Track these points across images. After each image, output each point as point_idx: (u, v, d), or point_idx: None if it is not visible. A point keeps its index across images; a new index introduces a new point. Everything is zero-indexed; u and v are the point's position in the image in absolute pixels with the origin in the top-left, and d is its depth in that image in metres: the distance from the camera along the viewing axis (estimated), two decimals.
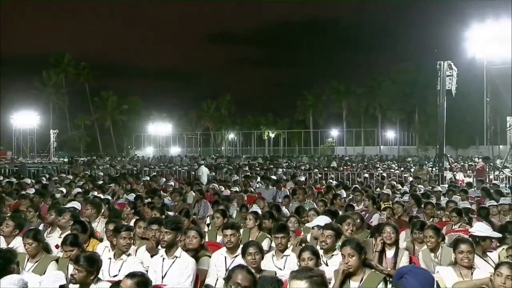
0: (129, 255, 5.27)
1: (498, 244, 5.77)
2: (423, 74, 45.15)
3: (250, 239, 6.25)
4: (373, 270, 4.55)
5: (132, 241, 5.40)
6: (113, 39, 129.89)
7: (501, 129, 29.39)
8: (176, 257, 5.04)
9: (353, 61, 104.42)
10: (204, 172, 18.70)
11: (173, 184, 14.68)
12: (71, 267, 4.45)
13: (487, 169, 17.36)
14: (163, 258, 5.07)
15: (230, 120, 71.32)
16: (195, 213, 9.83)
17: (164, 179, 16.93)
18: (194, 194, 11.07)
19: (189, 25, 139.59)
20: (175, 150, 58.68)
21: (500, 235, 5.69)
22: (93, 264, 4.27)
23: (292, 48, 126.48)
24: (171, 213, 8.08)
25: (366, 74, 70.02)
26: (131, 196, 10.10)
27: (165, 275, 4.95)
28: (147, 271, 4.96)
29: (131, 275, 3.72)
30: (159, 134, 58.82)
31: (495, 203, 8.96)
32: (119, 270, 5.01)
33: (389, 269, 5.03)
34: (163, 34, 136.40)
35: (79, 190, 11.37)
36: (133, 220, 7.05)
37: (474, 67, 21.09)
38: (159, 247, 5.42)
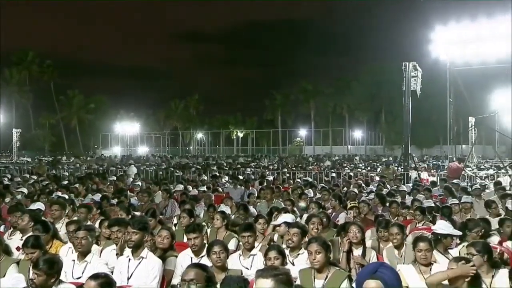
0: (93, 256, 5.19)
1: (458, 242, 5.92)
2: (389, 75, 45.89)
3: (217, 238, 6.25)
4: (337, 268, 4.63)
5: (89, 241, 5.26)
6: (80, 37, 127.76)
7: (463, 129, 30.16)
8: (143, 257, 4.99)
9: (321, 61, 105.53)
10: (133, 172, 18.82)
11: (140, 183, 14.52)
12: None
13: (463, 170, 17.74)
14: (129, 259, 5.01)
15: (198, 120, 71.05)
16: (162, 213, 9.77)
17: (131, 179, 16.73)
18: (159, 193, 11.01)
19: (158, 23, 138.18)
20: (143, 150, 58.05)
21: (460, 233, 5.84)
22: (52, 266, 4.17)
23: (260, 47, 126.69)
24: (137, 213, 7.99)
25: (334, 74, 70.95)
26: (97, 196, 9.95)
27: (131, 276, 4.89)
28: (112, 272, 4.89)
29: (94, 276, 3.66)
30: (127, 133, 58.09)
31: (457, 202, 9.18)
32: (83, 272, 4.92)
33: (357, 268, 5.11)
34: (131, 32, 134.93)
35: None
36: (99, 221, 6.96)
37: (437, 68, 21.54)
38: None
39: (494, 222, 7.22)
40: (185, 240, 6.71)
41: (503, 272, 4.29)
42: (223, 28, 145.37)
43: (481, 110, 26.51)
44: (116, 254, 5.39)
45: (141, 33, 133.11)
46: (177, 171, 20.66)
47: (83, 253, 5.12)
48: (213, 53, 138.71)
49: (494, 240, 6.31)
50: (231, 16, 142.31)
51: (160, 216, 8.66)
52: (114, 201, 9.77)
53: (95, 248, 5.60)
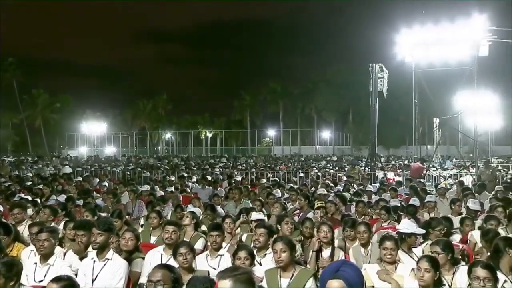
0: (56, 258, 5.08)
1: (422, 240, 6.04)
2: (356, 76, 46.49)
3: (185, 238, 6.21)
4: (303, 267, 4.66)
5: (52, 243, 5.13)
6: (45, 35, 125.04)
7: (428, 130, 30.78)
8: (108, 259, 4.91)
9: (290, 62, 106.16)
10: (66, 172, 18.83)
11: (107, 184, 14.31)
12: None
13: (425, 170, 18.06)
14: (94, 261, 4.92)
15: (167, 120, 70.43)
16: (129, 214, 9.66)
17: (97, 180, 16.48)
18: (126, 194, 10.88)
19: (127, 22, 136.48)
20: (110, 150, 57.21)
21: (423, 231, 5.96)
22: (11, 269, 4.05)
23: (229, 47, 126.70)
24: (103, 214, 7.86)
25: (303, 75, 71.45)
26: (62, 197, 9.76)
27: (95, 278, 4.81)
28: (76, 274, 4.80)
29: (56, 279, 3.57)
30: (93, 133, 57.14)
31: (418, 201, 9.35)
32: (45, 275, 4.81)
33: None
34: (98, 31, 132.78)
35: None
36: (63, 222, 6.82)
37: (403, 70, 21.91)
38: (90, 249, 5.27)
39: (456, 221, 7.41)
40: (152, 241, 6.67)
41: (463, 269, 4.39)
42: (192, 27, 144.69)
43: (445, 111, 27.10)
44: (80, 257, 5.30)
45: (108, 31, 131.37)
46: (145, 171, 20.45)
47: (46, 256, 5.00)
48: (182, 53, 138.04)
49: (455, 238, 6.48)
50: (201, 15, 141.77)
51: (127, 217, 8.58)
52: (80, 202, 9.61)
53: (58, 250, 5.48)
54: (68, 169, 18.90)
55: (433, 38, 18.74)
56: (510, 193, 11.30)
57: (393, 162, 30.38)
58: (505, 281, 4.34)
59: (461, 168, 21.45)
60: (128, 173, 20.28)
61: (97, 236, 4.98)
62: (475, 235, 6.40)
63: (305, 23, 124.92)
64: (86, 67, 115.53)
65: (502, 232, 6.03)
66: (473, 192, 11.12)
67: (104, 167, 24.48)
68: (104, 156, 44.74)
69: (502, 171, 19.81)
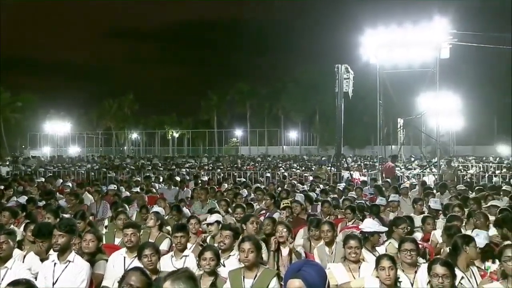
0: (14, 261, 4.94)
1: (385, 239, 6.15)
2: (323, 77, 46.90)
3: (150, 239, 6.16)
4: (266, 267, 4.69)
5: (10, 245, 4.98)
6: (6, 31, 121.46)
7: (393, 130, 31.34)
8: (69, 261, 4.81)
9: (258, 62, 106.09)
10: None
11: (70, 185, 14.05)
12: None
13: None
14: (55, 263, 4.82)
15: (133, 120, 69.55)
16: (93, 215, 9.51)
17: (61, 180, 16.15)
18: (89, 195, 10.71)
19: (90, 19, 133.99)
20: (74, 150, 56.12)
21: (386, 229, 6.08)
22: None
23: (196, 47, 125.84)
24: (67, 216, 7.72)
25: (270, 76, 71.67)
26: (23, 199, 9.52)
27: (56, 281, 4.71)
28: (36, 278, 4.69)
29: (14, 283, 3.47)
30: (57, 133, 55.93)
31: (385, 200, 9.52)
32: (2, 279, 4.65)
33: (285, 267, 5.20)
34: (64, 27, 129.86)
35: None
36: (23, 224, 6.67)
37: (368, 71, 22.23)
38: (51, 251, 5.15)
39: (418, 220, 7.58)
40: (116, 242, 6.58)
41: (424, 267, 4.49)
42: (159, 27, 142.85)
43: (409, 112, 27.64)
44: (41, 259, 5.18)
45: (75, 28, 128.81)
46: (110, 171, 20.15)
47: (3, 259, 4.84)
48: (148, 52, 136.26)
49: (417, 236, 6.63)
50: (167, 14, 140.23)
51: (91, 218, 8.44)
52: (42, 203, 9.39)
53: (17, 253, 5.34)
54: (3, 169, 18.58)
55: (397, 39, 19.07)
56: (470, 192, 11.63)
57: (358, 162, 30.78)
58: (462, 277, 4.47)
59: (424, 168, 21.91)
60: (93, 173, 19.94)
61: (58, 238, 4.87)
62: (437, 234, 6.57)
63: (272, 24, 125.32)
64: (50, 65, 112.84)
65: (461, 230, 6.19)
66: (435, 191, 11.38)
67: (68, 168, 24.01)
68: (67, 156, 43.83)
69: (462, 170, 20.34)
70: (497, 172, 20.14)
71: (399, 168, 21.28)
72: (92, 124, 67.90)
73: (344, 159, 20.98)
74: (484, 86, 46.10)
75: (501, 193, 10.92)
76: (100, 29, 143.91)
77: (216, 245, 5.44)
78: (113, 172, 19.86)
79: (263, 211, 8.88)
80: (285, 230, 5.70)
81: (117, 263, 5.15)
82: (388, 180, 15.46)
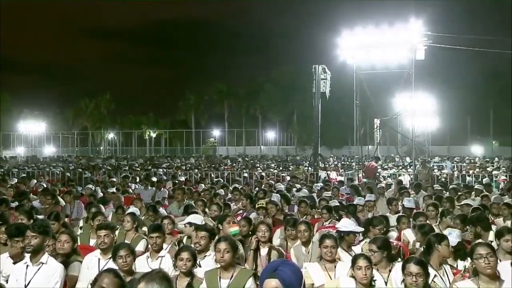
0: None
1: (361, 238, 6.21)
2: (301, 77, 47.09)
3: (126, 240, 6.11)
4: (243, 267, 4.70)
5: None
6: None
7: (370, 130, 31.61)
8: (42, 263, 4.75)
9: (235, 62, 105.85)
10: None
11: (45, 185, 13.83)
12: None
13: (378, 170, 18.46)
14: (27, 265, 4.75)
15: (109, 119, 68.79)
16: (68, 216, 9.39)
17: (35, 181, 15.89)
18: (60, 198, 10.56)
19: (66, 17, 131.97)
20: (49, 150, 55.27)
21: (362, 229, 6.15)
22: None
23: (174, 47, 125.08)
24: (40, 217, 7.60)
25: (248, 76, 71.61)
26: None
27: (28, 284, 4.64)
28: (7, 280, 4.62)
29: None
30: (31, 133, 55.03)
31: (363, 200, 9.63)
32: None
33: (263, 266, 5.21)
34: (37, 26, 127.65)
35: None
36: None
37: (345, 71, 22.37)
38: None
39: (393, 219, 7.68)
40: (91, 243, 6.51)
41: (399, 266, 4.54)
42: (137, 26, 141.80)
43: (385, 112, 27.93)
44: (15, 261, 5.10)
45: (51, 27, 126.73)
46: (86, 172, 19.90)
47: None
48: (127, 52, 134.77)
49: (393, 235, 6.72)
50: (147, 14, 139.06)
51: (66, 219, 8.33)
52: (15, 204, 9.22)
53: None
54: None
55: (374, 41, 19.25)
56: (444, 192, 11.83)
57: (336, 162, 30.99)
58: (435, 275, 4.55)
59: (400, 167, 22.18)
60: (68, 173, 19.66)
61: (31, 239, 4.80)
62: (407, 233, 6.68)
63: (250, 24, 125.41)
64: (25, 64, 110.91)
65: (435, 229, 6.29)
66: (410, 191, 11.54)
67: (42, 168, 23.63)
68: (42, 157, 43.15)
69: (437, 170, 20.67)
70: (471, 172, 20.51)
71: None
72: (68, 124, 66.95)
73: (324, 160, 21.10)
74: (458, 87, 46.91)
75: (473, 192, 11.16)
76: (77, 28, 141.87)
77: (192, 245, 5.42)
78: (89, 173, 19.62)
79: (240, 211, 8.89)
80: (267, 230, 5.73)
81: (92, 265, 5.09)
82: (365, 180, 15.63)
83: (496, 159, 30.46)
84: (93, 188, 12.54)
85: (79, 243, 6.08)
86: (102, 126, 67.87)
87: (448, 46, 21.47)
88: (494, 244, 5.21)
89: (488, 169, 20.96)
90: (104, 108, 68.85)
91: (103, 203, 9.55)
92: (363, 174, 17.17)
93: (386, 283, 4.65)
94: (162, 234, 5.62)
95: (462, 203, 8.88)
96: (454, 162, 29.15)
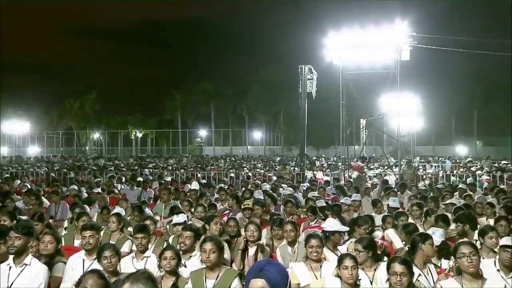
0: None
1: (346, 238, 6.24)
2: (288, 77, 47.11)
3: (111, 241, 6.08)
4: (228, 267, 4.71)
5: None
6: None
7: (356, 130, 31.79)
8: (26, 264, 4.70)
9: (222, 62, 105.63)
10: None
11: (28, 186, 13.70)
12: None
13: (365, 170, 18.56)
14: (10, 267, 4.69)
15: (95, 119, 68.21)
16: (52, 217, 9.31)
17: (18, 181, 15.72)
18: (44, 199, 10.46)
19: (50, 16, 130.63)
20: (34, 150, 54.67)
21: (347, 228, 6.18)
22: None
23: (160, 46, 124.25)
24: (24, 218, 7.52)
25: (235, 76, 71.47)
26: None
27: (11, 285, 4.58)
28: None
29: None
30: (15, 133, 54.38)
31: (349, 200, 9.67)
32: None
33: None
34: (21, 25, 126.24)
35: None
36: None
37: (332, 72, 22.43)
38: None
39: (379, 219, 7.73)
40: (76, 244, 6.46)
41: (384, 265, 4.58)
42: (124, 25, 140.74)
43: (371, 113, 28.11)
44: None
45: (36, 26, 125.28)
46: (71, 172, 19.73)
47: None
48: (112, 51, 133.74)
49: (378, 235, 6.77)
50: (133, 13, 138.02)
51: (50, 220, 8.25)
52: None
53: None
54: None
55: (360, 41, 19.34)
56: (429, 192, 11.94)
57: (322, 162, 31.08)
58: (420, 274, 4.58)
59: (385, 167, 22.33)
60: (53, 174, 19.47)
61: (15, 240, 4.76)
62: (390, 233, 6.73)
63: (237, 24, 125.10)
64: (8, 63, 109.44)
65: (419, 229, 6.34)
66: (395, 190, 11.62)
67: (26, 168, 23.37)
68: (26, 157, 42.68)
69: (422, 170, 20.83)
70: (455, 171, 20.73)
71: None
72: (53, 123, 66.22)
73: (308, 159, 21.16)
74: (443, 87, 47.32)
75: (457, 191, 11.28)
76: (62, 27, 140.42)
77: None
78: (74, 173, 19.46)
79: (226, 212, 8.88)
80: (255, 229, 5.73)
81: (76, 266, 5.05)
82: (351, 180, 15.71)
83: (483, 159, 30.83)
84: (78, 189, 12.45)
85: (63, 244, 6.05)
86: (87, 126, 67.31)
87: (433, 47, 21.66)
88: (477, 243, 5.27)
89: (472, 169, 21.18)
90: (89, 107, 68.20)
91: (88, 204, 9.50)
92: (350, 174, 17.25)
93: (371, 283, 4.67)
94: (147, 234, 5.62)
95: (447, 202, 8.99)
96: (439, 162, 29.43)
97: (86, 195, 11.49)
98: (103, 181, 15.79)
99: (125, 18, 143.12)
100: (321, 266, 4.97)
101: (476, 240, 5.65)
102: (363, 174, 17.15)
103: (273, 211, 8.99)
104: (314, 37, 25.86)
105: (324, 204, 9.09)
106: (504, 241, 4.77)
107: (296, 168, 19.57)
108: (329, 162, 31.99)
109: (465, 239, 5.70)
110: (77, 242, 6.47)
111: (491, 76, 47.38)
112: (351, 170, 18.13)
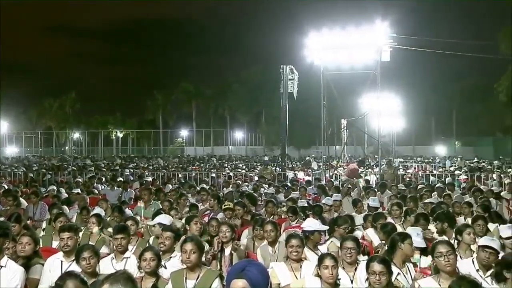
0: None
1: (327, 238, 6.28)
2: (269, 77, 47.18)
3: (90, 242, 6.02)
4: (209, 267, 4.69)
5: None
6: None
7: (337, 131, 31.99)
8: (1, 266, 4.60)
9: (203, 62, 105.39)
10: None
11: (6, 186, 13.47)
12: None
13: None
14: None
15: (75, 119, 67.41)
16: (30, 218, 9.18)
17: None
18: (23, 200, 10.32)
19: (29, 14, 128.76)
20: (11, 150, 53.85)
21: (326, 227, 6.22)
22: None
23: (141, 46, 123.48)
24: (1, 219, 7.41)
25: (216, 76, 71.40)
26: None
27: None
28: None
29: None
30: None
31: (331, 200, 9.72)
32: None
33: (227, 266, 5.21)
34: (2, 22, 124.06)
35: None
36: None
37: (312, 72, 22.54)
38: None
39: (359, 218, 7.79)
40: (54, 245, 6.38)
41: (363, 264, 4.61)
42: (104, 24, 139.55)
43: (352, 113, 28.30)
44: None
45: (14, 24, 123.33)
46: (50, 172, 19.47)
47: None
48: (92, 50, 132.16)
49: (358, 234, 6.82)
50: (112, 12, 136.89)
51: (28, 221, 8.13)
52: None
53: None
54: None
55: (340, 42, 19.47)
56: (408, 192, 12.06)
57: (319, 162, 31.15)
58: (398, 273, 4.62)
59: (365, 168, 22.49)
60: (32, 174, 19.19)
61: None
62: (369, 233, 6.79)
63: (218, 24, 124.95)
64: None
65: (399, 228, 6.41)
66: (375, 190, 11.73)
67: (4, 169, 22.99)
68: (4, 157, 42.02)
69: (402, 170, 21.04)
70: (434, 171, 20.97)
71: (342, 169, 21.74)
72: (32, 123, 65.31)
73: (290, 159, 21.21)
74: (422, 88, 47.86)
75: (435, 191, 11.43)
76: (42, 25, 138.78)
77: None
78: (53, 173, 19.20)
79: (207, 212, 8.86)
80: (228, 230, 5.72)
81: (54, 268, 4.99)
82: (331, 180, 15.79)
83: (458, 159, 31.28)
84: (57, 189, 12.30)
85: (41, 245, 5.96)
86: (67, 126, 66.52)
87: (413, 48, 21.92)
88: (455, 242, 5.34)
89: (451, 168, 21.46)
90: (69, 107, 67.41)
91: (68, 204, 9.39)
92: (346, 175, 17.30)
93: (352, 282, 4.70)
94: (127, 235, 5.56)
95: (426, 201, 9.11)
96: (419, 162, 29.76)
97: (65, 195, 11.35)
98: (82, 182, 15.62)
99: (105, 17, 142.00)
100: (301, 266, 4.98)
101: (454, 239, 5.73)
102: (354, 178, 16.24)
103: (253, 211, 8.99)
104: (295, 38, 25.98)
105: (306, 204, 9.13)
106: (483, 241, 4.85)
107: (277, 168, 19.61)
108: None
109: (443, 238, 5.79)
110: (55, 244, 6.39)
111: (470, 77, 48.07)
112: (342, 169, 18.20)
